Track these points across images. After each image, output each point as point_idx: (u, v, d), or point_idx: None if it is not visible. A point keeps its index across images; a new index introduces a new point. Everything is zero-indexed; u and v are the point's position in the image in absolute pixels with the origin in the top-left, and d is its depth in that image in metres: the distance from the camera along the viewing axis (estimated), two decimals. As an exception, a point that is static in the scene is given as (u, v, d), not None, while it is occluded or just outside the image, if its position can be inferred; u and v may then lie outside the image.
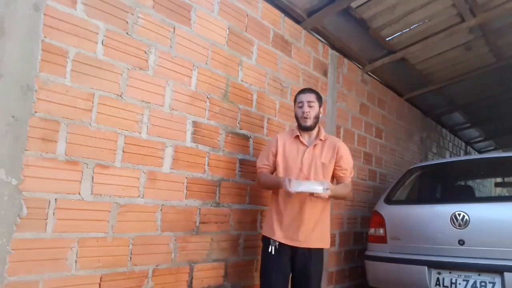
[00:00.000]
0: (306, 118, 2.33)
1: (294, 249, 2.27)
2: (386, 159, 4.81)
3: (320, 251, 2.33)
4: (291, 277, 2.33)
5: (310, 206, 2.27)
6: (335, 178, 2.41)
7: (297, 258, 2.27)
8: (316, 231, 2.30)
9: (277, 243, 2.26)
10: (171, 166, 2.26)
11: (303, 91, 2.46)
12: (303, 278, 2.26)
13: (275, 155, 2.39)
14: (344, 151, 2.39)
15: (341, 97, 3.91)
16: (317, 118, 2.39)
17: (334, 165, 2.35)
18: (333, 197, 2.26)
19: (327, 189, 2.07)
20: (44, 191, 1.73)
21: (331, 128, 3.68)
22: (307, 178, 2.29)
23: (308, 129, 2.37)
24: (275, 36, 3.08)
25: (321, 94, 3.56)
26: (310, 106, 2.35)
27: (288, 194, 2.17)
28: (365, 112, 4.35)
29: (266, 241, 2.33)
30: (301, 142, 2.38)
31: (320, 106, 2.42)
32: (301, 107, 2.37)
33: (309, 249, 2.27)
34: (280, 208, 2.32)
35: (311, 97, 2.38)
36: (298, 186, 2.07)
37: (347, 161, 2.39)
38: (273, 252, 2.26)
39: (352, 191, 2.44)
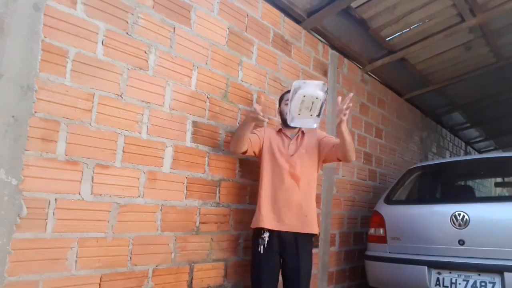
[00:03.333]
0: None
1: (282, 243, 2.32)
2: (386, 159, 4.81)
3: (309, 245, 2.41)
4: (283, 264, 2.37)
5: (304, 194, 2.39)
6: (333, 150, 2.45)
7: (286, 245, 2.33)
8: (309, 216, 2.39)
9: (266, 242, 2.31)
10: (171, 166, 2.26)
11: (290, 91, 2.51)
12: (293, 263, 2.32)
13: (259, 139, 2.47)
14: (323, 133, 2.63)
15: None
16: None
17: (323, 146, 2.49)
18: (344, 132, 2.26)
19: (326, 91, 2.12)
20: (44, 191, 1.73)
21: (331, 128, 3.68)
22: (293, 166, 2.41)
23: (293, 127, 2.47)
24: (275, 36, 3.08)
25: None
26: None
27: (277, 185, 2.35)
28: (365, 112, 4.35)
29: (256, 239, 2.37)
30: (285, 135, 2.52)
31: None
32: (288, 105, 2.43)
33: (297, 244, 2.33)
34: (270, 196, 2.38)
35: None
36: (295, 94, 2.11)
37: (329, 137, 2.57)
38: (262, 252, 2.31)
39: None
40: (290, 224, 2.34)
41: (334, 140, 2.50)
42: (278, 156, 2.44)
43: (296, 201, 2.37)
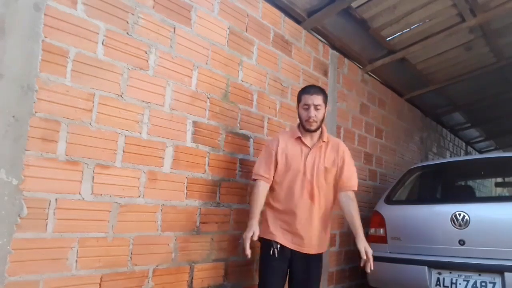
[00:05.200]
0: (313, 122, 2.19)
1: (294, 251, 2.22)
2: (387, 159, 4.80)
3: (320, 256, 2.32)
4: (291, 280, 2.28)
5: (319, 214, 2.22)
6: (337, 186, 2.28)
7: (296, 261, 2.22)
8: (322, 238, 2.26)
9: (279, 246, 2.19)
10: (172, 166, 2.26)
11: (309, 91, 2.24)
12: (303, 281, 2.23)
13: (276, 161, 2.23)
14: (347, 156, 2.28)
15: (342, 97, 3.91)
16: (323, 119, 2.25)
17: (340, 176, 2.24)
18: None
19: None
20: (45, 191, 1.73)
21: (332, 128, 3.68)
22: (311, 182, 2.20)
23: (313, 131, 2.25)
24: (275, 36, 3.08)
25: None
26: (317, 109, 2.19)
27: (291, 202, 2.19)
28: (365, 112, 4.34)
29: (267, 243, 2.24)
30: (304, 144, 2.26)
31: (326, 106, 2.26)
32: (307, 109, 2.19)
33: (309, 254, 2.24)
34: (286, 214, 2.22)
35: (319, 99, 2.20)
36: None
37: (351, 168, 2.26)
38: (276, 255, 2.18)
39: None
40: (306, 246, 2.21)
41: (348, 176, 2.25)
42: (294, 170, 2.21)
43: (314, 225, 2.20)
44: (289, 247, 2.21)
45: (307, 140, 2.27)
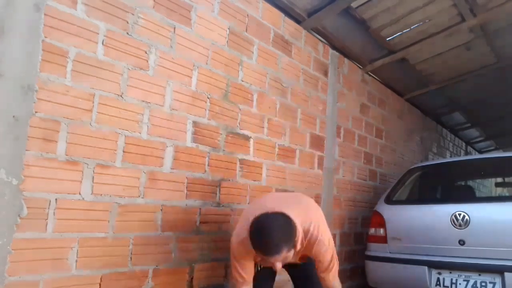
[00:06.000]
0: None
1: None
2: (387, 159, 4.80)
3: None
4: (293, 278, 2.27)
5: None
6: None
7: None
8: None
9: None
10: (172, 166, 2.26)
11: (268, 252, 1.66)
12: (304, 276, 2.21)
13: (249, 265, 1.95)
14: (322, 252, 1.93)
15: (342, 97, 3.91)
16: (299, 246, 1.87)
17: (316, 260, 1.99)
18: None
19: None
20: (45, 191, 1.73)
21: (331, 128, 3.68)
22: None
23: None
24: (275, 36, 3.08)
25: (321, 94, 3.60)
26: (285, 259, 1.74)
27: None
28: (365, 112, 4.35)
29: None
30: None
31: (295, 243, 1.76)
32: (272, 263, 1.72)
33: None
34: None
35: (283, 255, 1.67)
36: None
37: (324, 256, 1.94)
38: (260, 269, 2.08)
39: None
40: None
41: (325, 267, 1.97)
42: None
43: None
44: None
45: None
